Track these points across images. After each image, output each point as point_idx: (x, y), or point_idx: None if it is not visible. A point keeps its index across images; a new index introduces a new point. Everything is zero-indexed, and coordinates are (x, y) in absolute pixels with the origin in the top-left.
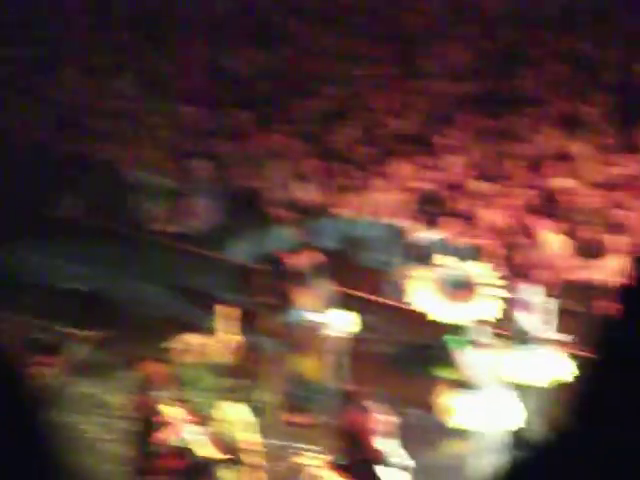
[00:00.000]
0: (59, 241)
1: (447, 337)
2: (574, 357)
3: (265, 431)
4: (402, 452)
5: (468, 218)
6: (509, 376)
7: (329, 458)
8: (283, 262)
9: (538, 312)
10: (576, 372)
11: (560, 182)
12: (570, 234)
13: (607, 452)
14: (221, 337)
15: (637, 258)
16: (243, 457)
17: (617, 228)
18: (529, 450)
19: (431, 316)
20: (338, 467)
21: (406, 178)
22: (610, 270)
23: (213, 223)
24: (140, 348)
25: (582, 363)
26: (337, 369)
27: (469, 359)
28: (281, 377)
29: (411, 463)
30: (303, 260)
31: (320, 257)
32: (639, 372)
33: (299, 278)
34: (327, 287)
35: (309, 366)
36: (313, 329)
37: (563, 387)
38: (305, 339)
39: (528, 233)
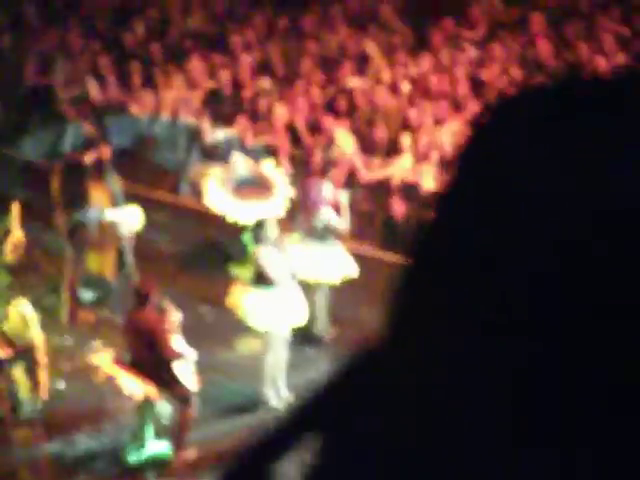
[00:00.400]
0: None
1: (241, 235)
2: (366, 256)
3: (54, 329)
4: (192, 350)
5: (262, 117)
6: (301, 273)
7: (119, 356)
8: (76, 159)
9: (331, 210)
10: (358, 269)
11: (355, 81)
12: (365, 133)
13: (417, 361)
14: (14, 235)
15: (450, 163)
16: (30, 355)
17: (412, 128)
18: (316, 345)
19: (225, 215)
20: (129, 365)
21: (200, 76)
22: (405, 170)
23: (3, 120)
24: None
25: (374, 262)
26: (128, 267)
27: (263, 257)
28: (72, 274)
29: (195, 357)
30: (96, 157)
31: (112, 154)
32: (446, 278)
33: (92, 176)
34: (119, 185)
35: (100, 263)
36: (105, 226)
37: (353, 284)
38: (97, 236)
39: (323, 132)
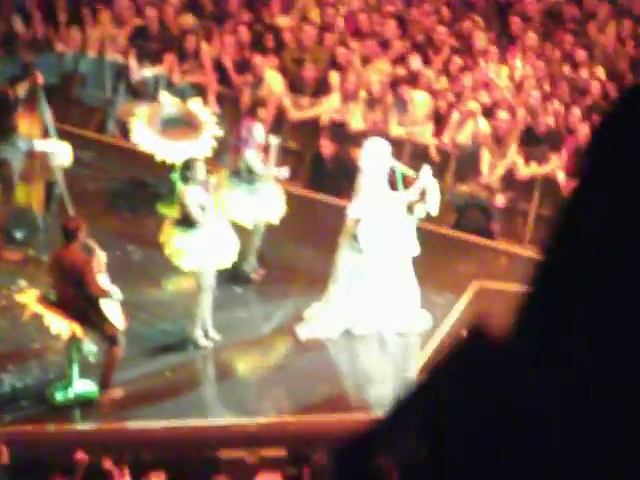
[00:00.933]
0: None
1: (170, 174)
2: (294, 195)
3: None
4: (118, 289)
5: (190, 55)
6: (230, 213)
7: (46, 294)
8: (6, 92)
9: (260, 150)
10: (287, 209)
11: (283, 20)
12: (293, 72)
13: None
14: None
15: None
16: None
17: (340, 66)
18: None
19: (153, 154)
20: (55, 303)
21: (128, 12)
22: (333, 108)
23: None
24: None
25: (303, 201)
26: (55, 202)
27: (189, 196)
28: None
29: (121, 296)
30: (23, 88)
31: (40, 81)
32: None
33: (23, 105)
34: (51, 116)
35: (27, 195)
36: (35, 157)
37: (281, 223)
38: (26, 167)
39: (251, 71)
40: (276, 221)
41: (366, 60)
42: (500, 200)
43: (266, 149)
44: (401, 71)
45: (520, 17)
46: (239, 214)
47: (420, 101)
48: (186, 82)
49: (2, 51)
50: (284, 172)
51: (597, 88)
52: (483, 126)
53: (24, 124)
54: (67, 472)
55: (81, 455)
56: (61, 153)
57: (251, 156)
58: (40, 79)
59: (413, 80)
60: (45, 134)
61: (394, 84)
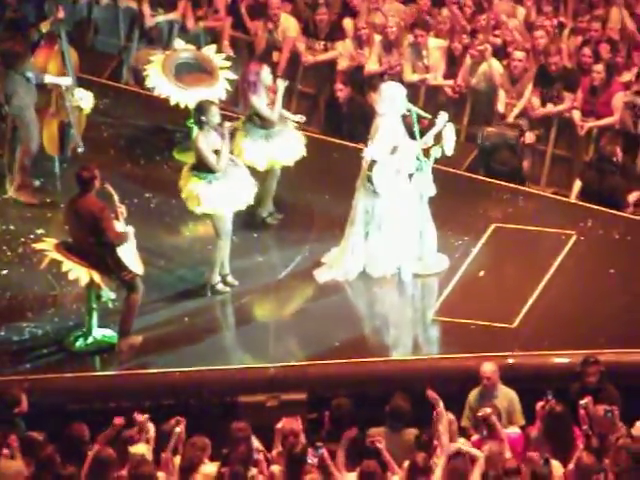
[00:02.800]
0: None
1: (186, 121)
2: (307, 137)
3: None
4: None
5: (205, 1)
6: (245, 157)
7: (63, 242)
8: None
9: (270, 93)
10: (304, 151)
11: None
12: (309, 17)
13: None
14: None
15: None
16: None
17: (353, 10)
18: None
19: (169, 99)
20: (72, 251)
21: None
22: (347, 54)
23: None
24: None
25: (318, 145)
26: (69, 144)
27: (205, 141)
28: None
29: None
30: (45, 26)
31: (61, 15)
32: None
33: (45, 41)
34: (67, 53)
35: (43, 134)
36: (46, 93)
37: (297, 167)
38: (38, 104)
39: (267, 16)
40: (292, 165)
41: (379, 2)
42: (530, 138)
43: (276, 92)
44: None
45: None
46: (254, 158)
47: (434, 47)
48: (200, 28)
49: None
50: (299, 118)
51: (614, 28)
52: (497, 67)
53: (40, 58)
54: (87, 419)
55: (119, 420)
56: (78, 93)
57: (256, 100)
58: (61, 14)
59: (427, 23)
60: (64, 73)
61: (410, 27)
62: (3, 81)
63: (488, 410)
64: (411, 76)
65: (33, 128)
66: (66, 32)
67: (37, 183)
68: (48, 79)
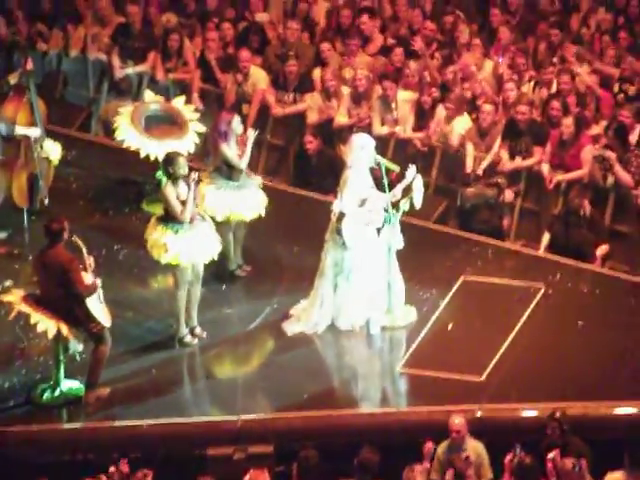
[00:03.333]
0: None
1: (155, 173)
2: (275, 189)
3: None
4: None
5: (173, 52)
6: (213, 209)
7: (31, 293)
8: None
9: (240, 143)
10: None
11: (263, 16)
12: (278, 69)
13: None
14: None
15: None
16: None
17: (323, 63)
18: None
19: (138, 151)
20: (41, 302)
21: (106, 11)
22: (316, 106)
23: None
24: None
25: (287, 197)
26: (38, 196)
27: (172, 191)
28: None
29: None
30: (14, 77)
31: (30, 67)
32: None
33: (14, 91)
34: (36, 104)
35: (8, 188)
36: (15, 145)
37: (265, 219)
38: (7, 155)
39: (237, 68)
40: (258, 217)
41: (349, 55)
42: (509, 195)
43: (245, 143)
44: (382, 65)
45: (501, 10)
46: (214, 206)
47: (403, 100)
48: (170, 79)
49: None
50: (252, 134)
51: (582, 82)
52: (464, 124)
53: (9, 109)
54: (53, 473)
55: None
56: (46, 144)
57: (227, 149)
58: (30, 65)
59: (397, 75)
60: (33, 124)
61: (379, 79)
62: None
63: (470, 457)
64: (380, 129)
65: None
66: (35, 84)
67: (3, 235)
68: (19, 130)
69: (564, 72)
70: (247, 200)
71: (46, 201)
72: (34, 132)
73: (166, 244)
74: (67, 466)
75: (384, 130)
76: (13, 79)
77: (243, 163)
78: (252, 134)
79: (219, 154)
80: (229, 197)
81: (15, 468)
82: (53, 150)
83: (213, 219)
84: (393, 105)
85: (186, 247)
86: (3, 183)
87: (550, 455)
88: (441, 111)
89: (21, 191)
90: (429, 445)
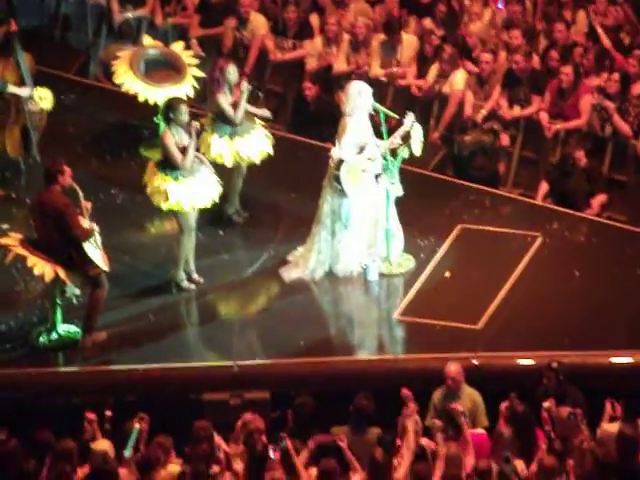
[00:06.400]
0: None
1: (153, 117)
2: (274, 136)
3: None
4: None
5: None
6: (211, 154)
7: (28, 237)
8: None
9: (235, 91)
10: (271, 149)
11: None
12: (278, 15)
13: None
14: None
15: None
16: None
17: (321, 10)
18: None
19: (136, 96)
20: (38, 246)
21: None
22: (315, 53)
23: None
24: None
25: (286, 143)
26: (33, 146)
27: (172, 138)
28: None
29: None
30: (4, 32)
31: (20, 34)
32: None
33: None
34: (28, 62)
35: (6, 139)
36: (6, 102)
37: (264, 165)
38: (2, 109)
39: (237, 13)
40: (258, 163)
41: (345, 2)
42: (504, 139)
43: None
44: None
45: None
46: (221, 154)
47: (409, 42)
48: (169, 24)
49: None
50: (266, 113)
51: (580, 31)
52: (463, 75)
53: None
54: (49, 415)
55: (91, 415)
56: (40, 99)
57: (220, 98)
58: (14, 26)
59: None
60: (21, 81)
61: (384, 28)
62: None
63: (460, 407)
64: (378, 71)
65: None
66: (34, 28)
67: None
68: (10, 89)
69: (560, 21)
70: (251, 144)
71: (38, 157)
72: (25, 92)
73: (167, 191)
74: (63, 409)
75: (380, 72)
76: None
77: (237, 117)
78: (246, 89)
79: (215, 102)
80: (232, 143)
81: (9, 410)
82: (45, 99)
83: (215, 164)
84: (399, 48)
85: (187, 193)
86: None
87: (546, 404)
88: (433, 70)
89: (15, 144)
90: (405, 391)
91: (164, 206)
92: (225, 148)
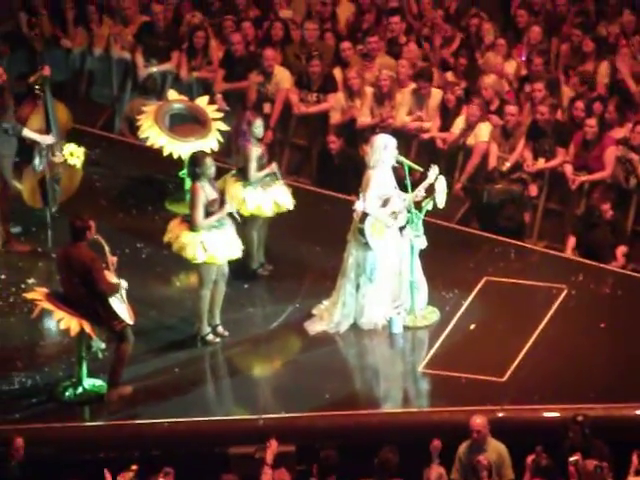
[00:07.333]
0: None
1: (178, 171)
2: (298, 189)
3: None
4: (124, 283)
5: (199, 50)
6: (250, 207)
7: (54, 291)
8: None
9: (261, 145)
10: (293, 202)
11: (287, 13)
12: (302, 69)
13: None
14: None
15: None
16: None
17: (345, 63)
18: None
19: (161, 150)
20: (63, 300)
21: (133, 12)
22: (339, 106)
23: None
24: None
25: (310, 196)
26: (52, 196)
27: (201, 194)
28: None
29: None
30: (31, 79)
31: (47, 72)
32: None
33: (28, 96)
34: (52, 110)
35: (22, 185)
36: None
37: (288, 218)
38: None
39: (262, 65)
40: (283, 215)
41: (371, 56)
42: (534, 190)
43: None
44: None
45: (526, 10)
46: (259, 207)
47: (433, 95)
48: (193, 78)
49: (8, 48)
50: (276, 170)
51: (603, 82)
52: (489, 127)
53: (25, 110)
54: (74, 471)
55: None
56: (68, 149)
57: (251, 151)
58: (47, 71)
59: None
60: (47, 129)
61: (415, 77)
62: None
63: (485, 461)
64: (405, 118)
65: (7, 175)
66: (57, 84)
67: (17, 230)
68: (26, 133)
69: (585, 74)
70: (276, 196)
71: (54, 209)
72: (44, 139)
73: (203, 243)
74: (89, 464)
75: (408, 119)
76: (32, 80)
77: (254, 177)
78: (275, 169)
79: (242, 154)
80: (268, 192)
81: (36, 465)
82: (75, 156)
83: (241, 216)
84: (427, 101)
85: (210, 246)
86: (10, 179)
87: (572, 458)
88: (460, 121)
89: (30, 192)
90: (436, 443)
91: (200, 258)
92: (262, 199)
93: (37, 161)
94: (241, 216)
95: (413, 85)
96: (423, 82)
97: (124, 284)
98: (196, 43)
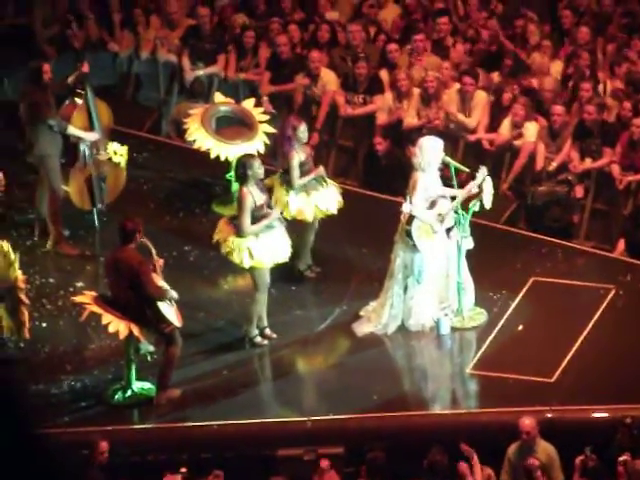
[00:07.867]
0: None
1: (225, 174)
2: (345, 191)
3: (33, 268)
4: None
5: (243, 54)
6: (300, 212)
7: (102, 294)
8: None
9: (305, 149)
10: (341, 204)
11: (333, 15)
12: (348, 71)
13: None
14: None
15: None
16: (13, 295)
17: (392, 65)
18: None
19: (209, 153)
20: (112, 303)
21: (179, 15)
22: (386, 107)
23: None
24: None
25: (357, 198)
26: (99, 197)
27: (250, 197)
28: (54, 206)
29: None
30: (71, 79)
31: (86, 69)
32: None
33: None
34: (94, 107)
35: (70, 187)
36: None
37: (335, 220)
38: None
39: (308, 68)
40: (331, 217)
41: (418, 54)
42: (579, 191)
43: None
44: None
45: (572, 11)
46: (300, 211)
47: (479, 96)
48: (240, 78)
49: (55, 51)
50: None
51: None
52: (536, 127)
53: (68, 109)
54: (125, 473)
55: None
56: (112, 147)
57: (294, 158)
58: (86, 68)
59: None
60: (90, 127)
61: (461, 74)
62: (28, 132)
63: (536, 462)
64: (460, 116)
65: (55, 176)
66: (106, 87)
67: (65, 233)
68: (71, 130)
69: (633, 74)
70: (329, 195)
71: (101, 206)
72: (88, 136)
73: (250, 249)
74: (138, 467)
75: (461, 117)
76: (71, 80)
77: (297, 183)
78: (322, 172)
79: (286, 158)
80: (311, 197)
81: (87, 468)
82: (119, 154)
83: (286, 218)
84: (471, 102)
85: (267, 249)
86: (58, 180)
87: (621, 458)
88: (506, 124)
89: (80, 194)
90: (463, 466)
91: (246, 264)
92: (304, 203)
93: (83, 159)
94: (285, 220)
95: (457, 85)
96: (470, 80)
97: (174, 295)
98: (246, 43)
